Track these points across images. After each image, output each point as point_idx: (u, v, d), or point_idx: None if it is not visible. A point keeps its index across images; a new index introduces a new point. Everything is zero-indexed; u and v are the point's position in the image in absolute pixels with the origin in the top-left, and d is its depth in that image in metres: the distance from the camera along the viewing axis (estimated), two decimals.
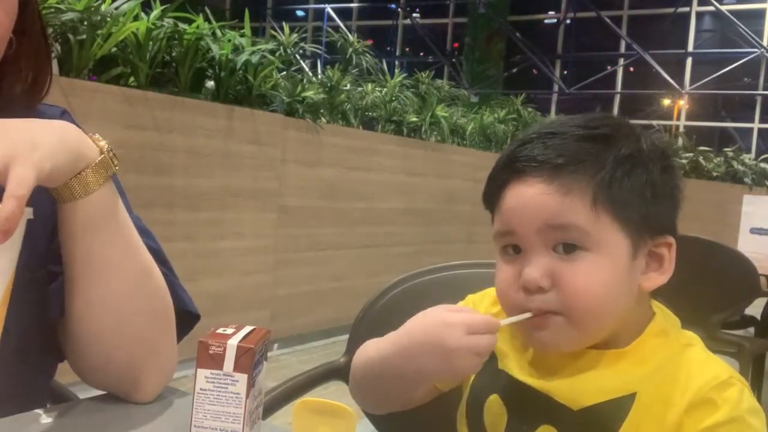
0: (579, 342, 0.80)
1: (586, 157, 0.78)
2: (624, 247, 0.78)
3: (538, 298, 0.78)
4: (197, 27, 3.58)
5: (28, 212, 0.64)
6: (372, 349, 0.91)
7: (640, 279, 0.81)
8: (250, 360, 0.64)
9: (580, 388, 0.80)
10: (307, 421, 0.71)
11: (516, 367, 0.85)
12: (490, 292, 0.95)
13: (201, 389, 0.65)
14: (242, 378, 0.64)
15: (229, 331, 0.67)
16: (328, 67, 5.09)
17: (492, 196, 0.83)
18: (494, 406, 0.84)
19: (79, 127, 0.84)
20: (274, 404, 1.11)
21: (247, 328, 0.69)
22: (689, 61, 15.92)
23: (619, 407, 0.78)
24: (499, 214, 0.82)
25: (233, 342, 0.65)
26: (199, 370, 0.65)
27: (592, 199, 0.77)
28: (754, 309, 3.15)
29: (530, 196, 0.78)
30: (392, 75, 5.60)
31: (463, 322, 0.79)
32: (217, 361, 0.64)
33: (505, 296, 0.82)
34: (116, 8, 3.22)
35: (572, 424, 0.80)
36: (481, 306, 0.95)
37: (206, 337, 0.65)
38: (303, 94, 4.25)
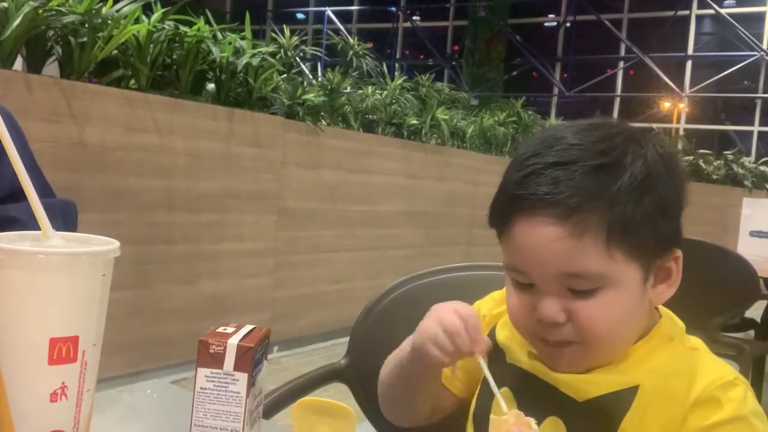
0: (593, 363, 0.82)
1: (596, 193, 0.75)
2: (637, 276, 0.79)
3: (554, 330, 0.79)
4: (198, 30, 3.58)
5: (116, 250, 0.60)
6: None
7: (650, 294, 0.81)
8: (250, 359, 0.64)
9: (585, 380, 0.82)
10: (307, 421, 0.71)
11: (524, 359, 0.87)
12: (494, 296, 0.97)
13: (201, 388, 0.65)
14: (242, 377, 0.64)
15: (230, 330, 0.68)
16: (329, 69, 5.09)
17: (498, 226, 0.82)
18: (504, 398, 0.84)
19: (17, 124, 0.92)
20: (275, 406, 1.11)
21: (247, 327, 0.69)
22: (689, 64, 15.90)
23: (622, 399, 0.79)
24: (509, 248, 0.81)
25: (233, 341, 0.65)
26: (199, 369, 0.65)
27: (606, 239, 0.76)
28: (754, 312, 3.14)
29: (543, 242, 0.76)
30: (392, 78, 5.60)
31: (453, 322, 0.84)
32: (217, 360, 0.64)
33: (520, 323, 0.84)
34: (117, 11, 3.23)
35: (577, 416, 0.81)
36: (484, 307, 0.96)
37: (206, 336, 0.65)
38: (303, 97, 4.25)
